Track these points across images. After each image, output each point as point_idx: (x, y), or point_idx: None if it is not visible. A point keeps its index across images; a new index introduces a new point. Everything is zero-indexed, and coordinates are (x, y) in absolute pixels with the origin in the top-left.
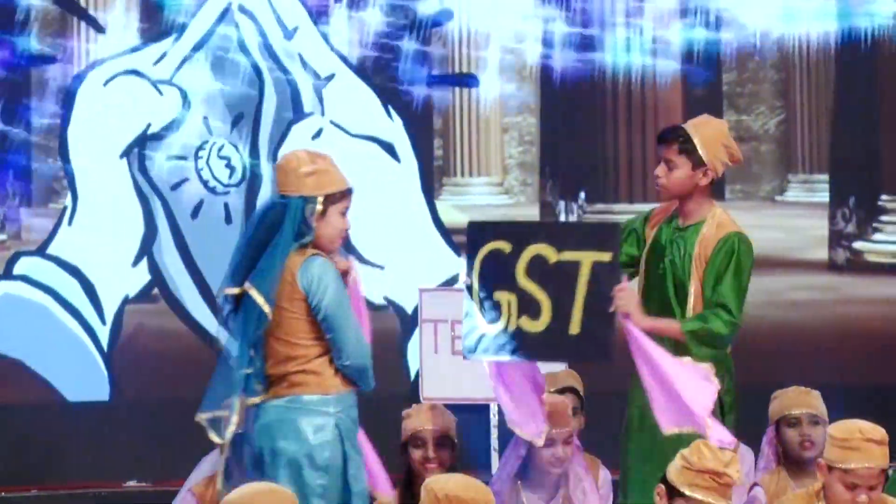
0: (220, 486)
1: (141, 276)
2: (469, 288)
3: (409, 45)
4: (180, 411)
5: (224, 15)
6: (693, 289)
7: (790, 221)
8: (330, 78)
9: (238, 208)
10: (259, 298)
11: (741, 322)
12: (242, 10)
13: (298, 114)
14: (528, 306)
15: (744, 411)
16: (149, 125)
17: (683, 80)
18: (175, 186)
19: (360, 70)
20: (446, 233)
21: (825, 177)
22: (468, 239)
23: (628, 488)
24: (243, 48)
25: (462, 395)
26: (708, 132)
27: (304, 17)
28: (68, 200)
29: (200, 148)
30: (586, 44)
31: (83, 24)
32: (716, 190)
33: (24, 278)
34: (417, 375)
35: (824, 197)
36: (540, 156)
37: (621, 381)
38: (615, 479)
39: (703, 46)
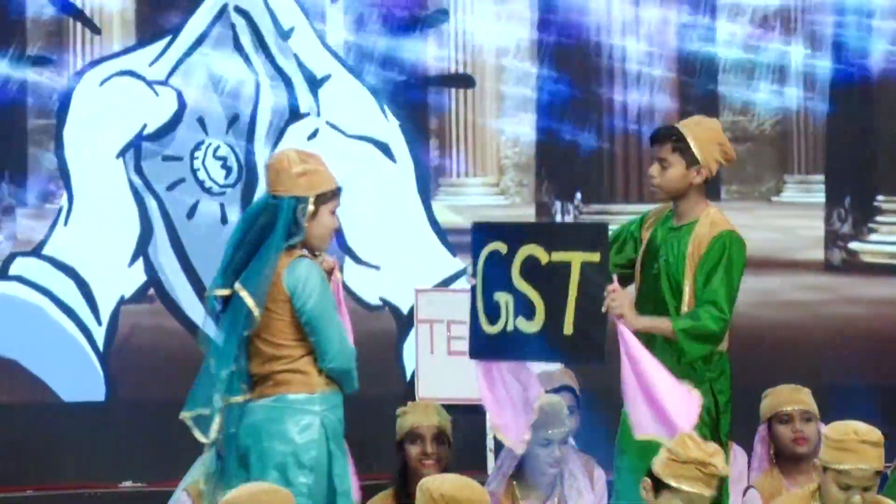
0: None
1: (137, 277)
2: (474, 289)
3: (405, 45)
4: (176, 412)
5: (220, 15)
6: (687, 288)
7: (786, 222)
8: (326, 78)
9: (234, 209)
10: (249, 301)
11: (731, 319)
12: (238, 10)
13: (294, 114)
14: (523, 307)
15: (740, 412)
16: (145, 126)
17: (680, 81)
18: (171, 187)
19: (356, 70)
20: (442, 233)
21: (821, 177)
22: (472, 240)
23: (623, 488)
24: (239, 48)
25: (458, 395)
26: (701, 131)
27: (300, 18)
28: (64, 201)
29: (196, 148)
30: (582, 45)
31: (79, 25)
32: (712, 190)
33: (20, 279)
34: (413, 376)
35: (820, 197)
36: (536, 156)
37: (616, 380)
38: (610, 479)
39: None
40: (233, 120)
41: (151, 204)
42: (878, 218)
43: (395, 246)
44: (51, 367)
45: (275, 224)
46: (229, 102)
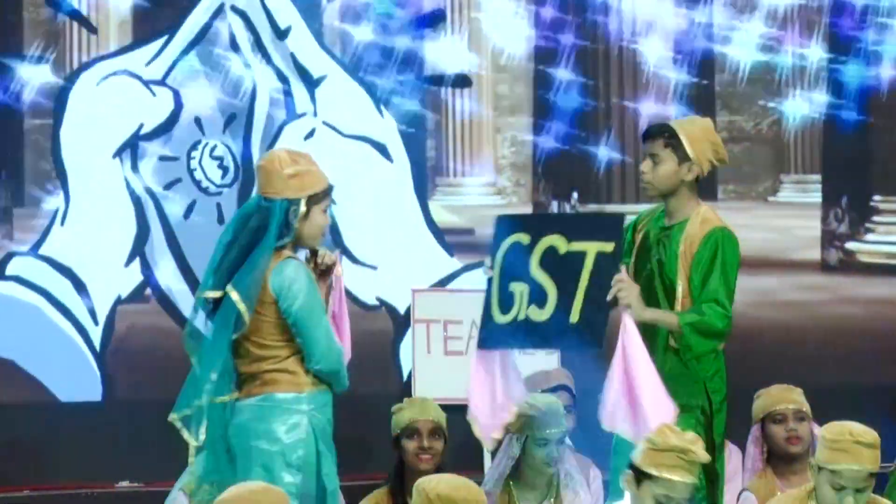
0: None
1: (133, 277)
2: (490, 281)
3: (401, 45)
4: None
5: (216, 15)
6: (681, 286)
7: (783, 222)
8: (322, 78)
9: (231, 209)
10: (241, 305)
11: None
12: (235, 9)
13: (291, 114)
14: (537, 296)
15: (737, 411)
16: (141, 125)
17: (677, 80)
18: (167, 187)
19: (353, 70)
20: (439, 233)
21: (818, 177)
22: (495, 231)
23: (619, 488)
24: (236, 48)
25: (454, 395)
26: (694, 129)
27: (297, 17)
28: (61, 201)
29: (193, 148)
30: (579, 45)
31: (76, 25)
32: (708, 190)
33: (17, 278)
34: (410, 376)
35: (817, 197)
36: (533, 156)
37: None
38: (606, 479)
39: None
40: (229, 120)
41: (148, 204)
42: (875, 218)
43: (391, 246)
44: (47, 366)
45: (267, 226)
46: (226, 102)
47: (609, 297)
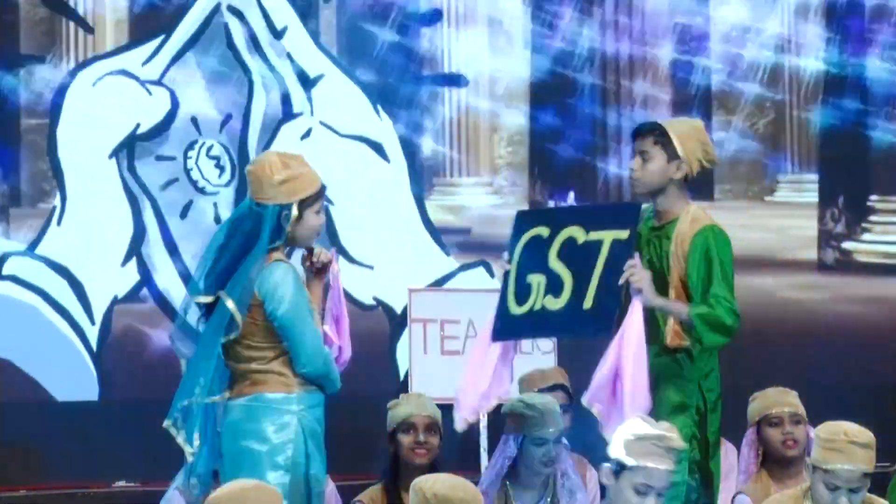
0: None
1: (130, 276)
2: (507, 274)
3: (398, 44)
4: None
5: (213, 15)
6: (672, 286)
7: (779, 221)
8: (319, 78)
9: (227, 208)
10: (237, 312)
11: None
12: (231, 9)
13: (288, 114)
14: (554, 286)
15: (732, 411)
16: (138, 125)
17: (673, 81)
18: (164, 186)
19: (350, 70)
20: (436, 233)
21: (814, 177)
22: (514, 227)
23: None
24: (232, 48)
25: (451, 394)
26: (684, 128)
27: (293, 17)
28: (57, 200)
29: (189, 148)
30: (576, 45)
31: (72, 24)
32: (705, 190)
33: (13, 278)
34: (407, 375)
35: (813, 197)
36: (529, 156)
37: None
38: None
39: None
40: (226, 119)
41: (145, 203)
42: (872, 217)
43: (388, 245)
44: (44, 366)
45: (259, 231)
46: (222, 102)
47: (621, 282)
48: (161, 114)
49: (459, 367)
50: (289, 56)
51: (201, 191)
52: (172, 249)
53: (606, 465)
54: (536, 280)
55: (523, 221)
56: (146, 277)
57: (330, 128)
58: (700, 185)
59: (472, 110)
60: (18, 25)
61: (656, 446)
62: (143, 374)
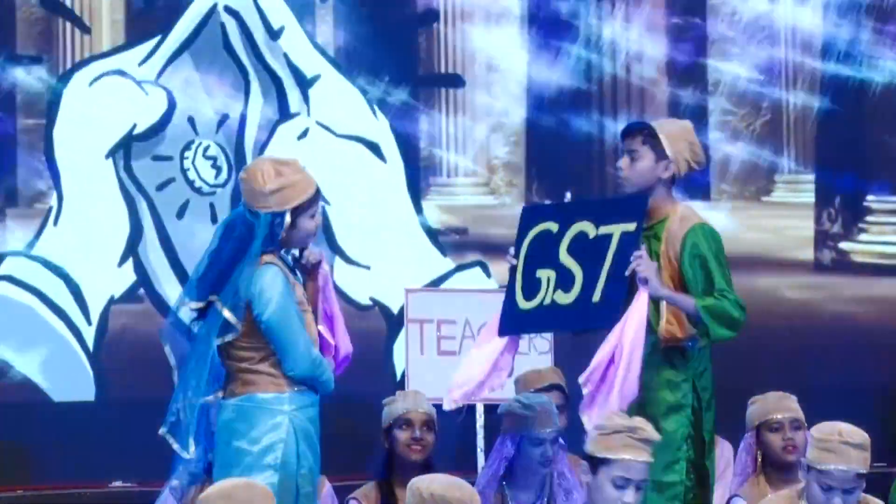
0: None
1: (126, 277)
2: (514, 269)
3: (395, 45)
4: (166, 412)
5: (210, 15)
6: (664, 285)
7: (776, 222)
8: (316, 78)
9: (224, 208)
10: (231, 317)
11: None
12: (228, 10)
13: (284, 114)
14: (564, 281)
15: (728, 411)
16: (134, 125)
17: (670, 80)
18: (161, 187)
19: (346, 70)
20: (432, 233)
21: (811, 177)
22: (521, 222)
23: None
24: (229, 48)
25: None
26: (672, 128)
27: (290, 17)
28: (54, 200)
29: (186, 148)
30: (573, 44)
31: (69, 24)
32: (702, 191)
33: (10, 278)
34: (403, 375)
35: (810, 197)
36: (526, 156)
37: None
38: None
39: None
40: (223, 119)
41: (141, 204)
42: (868, 218)
43: (385, 245)
44: (41, 366)
45: (251, 239)
46: (219, 102)
47: (627, 273)
48: (158, 114)
49: (456, 367)
50: (285, 56)
51: (198, 191)
52: (169, 249)
53: (583, 462)
54: (546, 275)
55: (530, 217)
56: (143, 278)
57: (326, 128)
58: (697, 186)
59: (469, 110)
60: (15, 25)
61: (631, 438)
62: (139, 374)
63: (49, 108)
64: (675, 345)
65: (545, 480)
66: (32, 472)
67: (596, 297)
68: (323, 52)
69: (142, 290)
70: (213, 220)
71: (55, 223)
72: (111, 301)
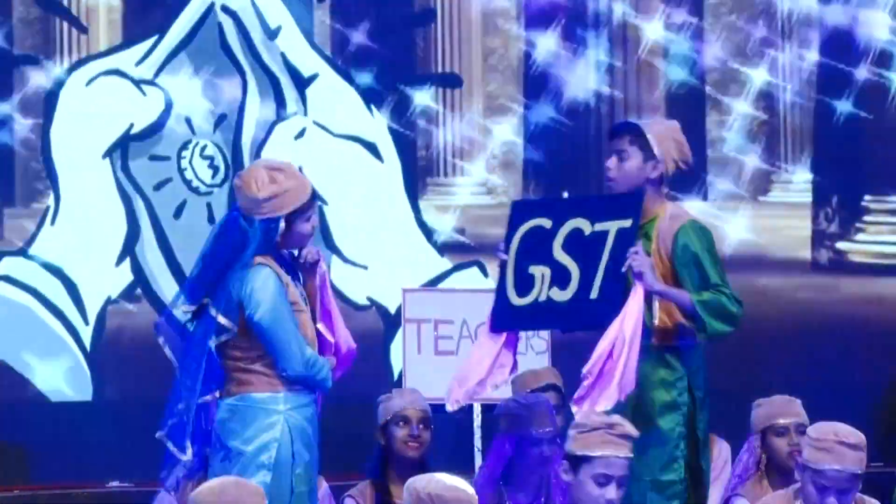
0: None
1: (124, 277)
2: (504, 264)
3: (392, 44)
4: (162, 412)
5: (207, 15)
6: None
7: (773, 222)
8: (313, 78)
9: (221, 208)
10: (224, 321)
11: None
12: (225, 9)
13: (281, 114)
14: (559, 278)
15: (725, 411)
16: (131, 125)
17: (667, 79)
18: (158, 186)
19: (343, 70)
20: (429, 233)
21: (808, 177)
22: (511, 217)
23: None
24: (226, 48)
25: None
26: (660, 128)
27: (287, 17)
28: (51, 200)
29: (183, 148)
30: (570, 44)
31: (66, 24)
32: (699, 191)
33: (7, 278)
34: (401, 375)
35: (807, 197)
36: (523, 156)
37: None
38: None
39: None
40: (220, 119)
41: (138, 203)
42: (866, 218)
43: (382, 245)
44: (38, 366)
45: (245, 245)
46: (216, 102)
47: (624, 269)
48: (155, 114)
49: (453, 367)
50: (283, 56)
51: (195, 191)
52: (166, 249)
53: (564, 461)
54: (540, 271)
55: (521, 212)
56: (140, 277)
57: (324, 128)
58: (694, 186)
59: (465, 110)
60: (12, 25)
61: (610, 434)
62: (136, 374)
63: (46, 107)
64: (669, 343)
65: (543, 480)
66: (29, 471)
67: (594, 294)
68: (320, 52)
69: (139, 290)
70: (211, 219)
71: (52, 223)
72: (108, 301)
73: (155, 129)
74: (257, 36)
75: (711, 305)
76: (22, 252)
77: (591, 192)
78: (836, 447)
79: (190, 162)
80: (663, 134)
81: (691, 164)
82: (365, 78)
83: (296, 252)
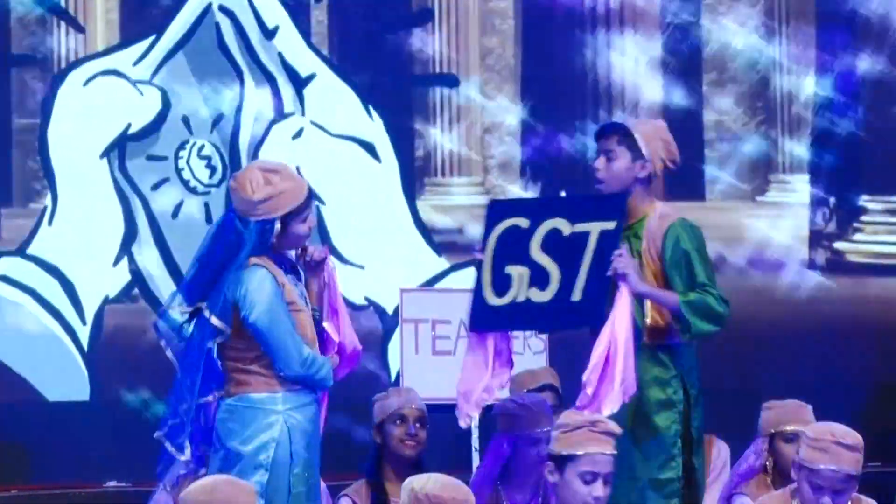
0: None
1: (121, 276)
2: (480, 263)
3: (390, 44)
4: (160, 412)
5: (204, 15)
6: (648, 283)
7: (771, 221)
8: (310, 78)
9: (219, 208)
10: (219, 323)
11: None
12: (223, 9)
13: (279, 114)
14: (538, 278)
15: (724, 410)
16: (129, 125)
17: (665, 80)
18: (155, 186)
19: (341, 70)
20: (427, 233)
21: (806, 177)
22: (487, 216)
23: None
24: (223, 48)
25: (442, 394)
26: (647, 127)
27: (285, 17)
28: (48, 200)
29: (181, 148)
30: (568, 43)
31: (63, 24)
32: (697, 191)
33: (4, 278)
34: (398, 375)
35: (805, 197)
36: (521, 156)
37: None
38: None
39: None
40: (217, 119)
41: (136, 203)
42: (863, 218)
43: (379, 245)
44: (35, 366)
45: (241, 246)
46: (214, 101)
47: (609, 273)
48: (152, 114)
49: (451, 367)
50: (280, 56)
51: (192, 191)
52: (164, 249)
53: (549, 463)
54: (517, 272)
55: (497, 211)
56: (137, 277)
57: (321, 128)
58: (691, 186)
59: (463, 110)
60: (9, 25)
61: (593, 432)
62: (134, 374)
63: (44, 107)
64: (662, 342)
65: (540, 480)
66: (27, 471)
67: (576, 296)
68: (317, 52)
69: (136, 290)
70: (208, 220)
71: (50, 223)
72: (106, 301)
73: (152, 129)
74: (255, 36)
75: (697, 306)
76: (19, 252)
77: (590, 193)
78: (833, 447)
79: (187, 162)
80: (651, 133)
81: (679, 162)
82: (362, 78)
83: (299, 251)
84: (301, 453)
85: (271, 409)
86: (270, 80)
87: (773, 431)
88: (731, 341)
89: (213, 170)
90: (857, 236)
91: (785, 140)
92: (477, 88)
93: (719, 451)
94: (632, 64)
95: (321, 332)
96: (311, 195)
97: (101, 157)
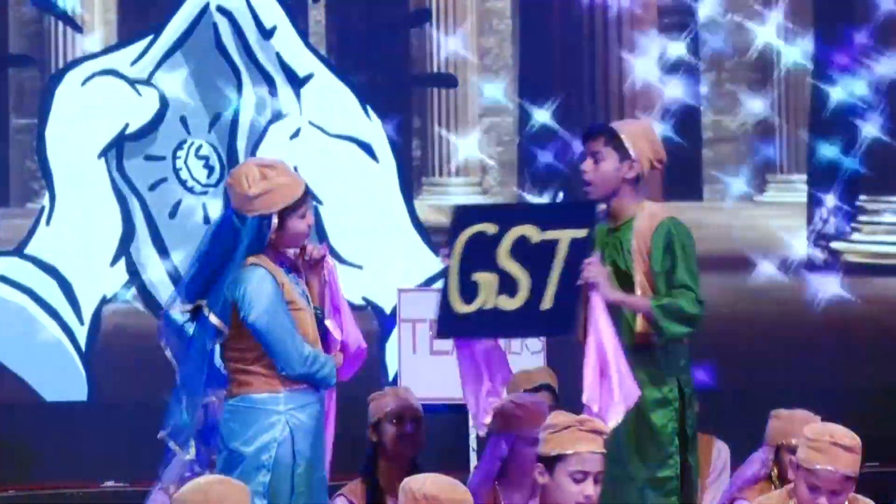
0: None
1: (119, 276)
2: (447, 269)
3: (388, 44)
4: (158, 412)
5: (202, 15)
6: (638, 282)
7: (769, 221)
8: (308, 78)
9: (216, 208)
10: (218, 322)
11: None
12: (220, 9)
13: (276, 114)
14: (507, 285)
15: (723, 410)
16: (127, 125)
17: (661, 80)
18: (153, 186)
19: (339, 70)
20: (425, 233)
21: (804, 177)
22: (453, 221)
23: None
24: (221, 48)
25: (440, 394)
26: (633, 128)
27: (283, 17)
28: (46, 200)
29: (178, 148)
30: (565, 44)
31: (61, 24)
32: (694, 190)
33: (2, 278)
34: (396, 375)
35: (803, 197)
36: (518, 156)
37: None
38: None
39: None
40: (215, 119)
41: (134, 203)
42: (861, 218)
43: (377, 245)
44: (33, 366)
45: (238, 243)
46: (211, 101)
47: (580, 282)
48: (150, 114)
49: (448, 367)
50: (278, 56)
51: (190, 190)
52: (161, 249)
53: (539, 464)
54: (485, 279)
55: (464, 216)
56: (135, 277)
57: (319, 128)
58: (689, 186)
59: (461, 110)
60: (7, 25)
61: (582, 430)
62: (132, 374)
63: (41, 107)
64: (654, 342)
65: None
66: (25, 471)
67: (546, 304)
68: (315, 52)
69: (134, 290)
70: (206, 219)
71: (47, 223)
72: (103, 301)
73: (150, 128)
74: (252, 36)
75: (669, 310)
76: (17, 252)
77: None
78: (831, 448)
79: (185, 162)
80: (637, 134)
81: (666, 162)
82: (360, 78)
83: (298, 250)
84: (304, 453)
85: (273, 410)
86: (268, 79)
87: (779, 443)
88: (728, 343)
89: (210, 170)
90: (855, 236)
91: (783, 139)
92: (474, 88)
93: (719, 451)
94: (630, 64)
95: (324, 331)
96: (308, 191)
97: (99, 156)
